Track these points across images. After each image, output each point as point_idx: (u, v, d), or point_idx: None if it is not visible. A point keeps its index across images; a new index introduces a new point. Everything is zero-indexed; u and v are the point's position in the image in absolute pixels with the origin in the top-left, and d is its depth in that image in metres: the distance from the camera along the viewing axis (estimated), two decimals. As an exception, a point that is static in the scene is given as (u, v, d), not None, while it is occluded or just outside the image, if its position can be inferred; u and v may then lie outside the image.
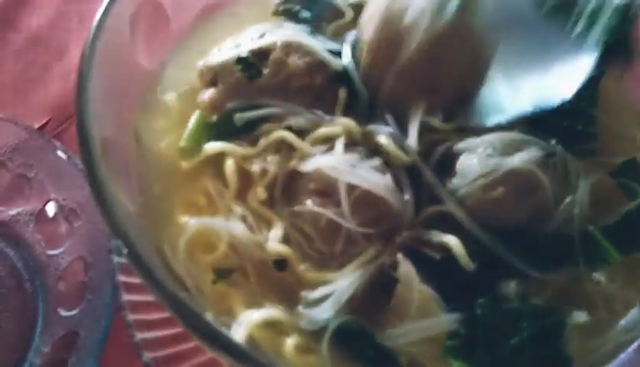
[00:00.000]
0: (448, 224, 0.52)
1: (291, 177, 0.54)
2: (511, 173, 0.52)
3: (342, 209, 0.51)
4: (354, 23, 0.62)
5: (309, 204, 0.52)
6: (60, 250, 0.66)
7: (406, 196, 0.53)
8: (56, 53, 0.80)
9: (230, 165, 0.54)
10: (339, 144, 0.54)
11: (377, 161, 0.54)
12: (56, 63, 0.80)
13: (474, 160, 0.53)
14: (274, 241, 0.51)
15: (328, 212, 0.51)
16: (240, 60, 0.57)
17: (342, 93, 0.57)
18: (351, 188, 0.51)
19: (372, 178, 0.52)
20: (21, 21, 0.82)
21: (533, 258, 0.51)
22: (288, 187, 0.54)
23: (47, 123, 0.75)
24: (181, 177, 0.56)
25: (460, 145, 0.55)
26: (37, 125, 0.75)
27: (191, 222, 0.52)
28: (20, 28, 0.82)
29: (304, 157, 0.54)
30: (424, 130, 0.55)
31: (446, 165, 0.55)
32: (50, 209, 0.68)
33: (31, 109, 0.77)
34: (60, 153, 0.68)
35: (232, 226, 0.52)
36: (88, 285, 0.62)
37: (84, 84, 0.49)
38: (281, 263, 0.51)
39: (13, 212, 0.69)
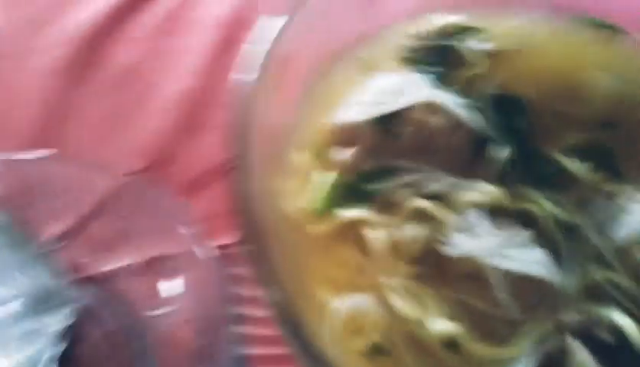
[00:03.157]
0: (608, 294, 0.48)
1: (433, 252, 0.50)
2: None
3: (497, 295, 0.47)
4: (489, 73, 0.58)
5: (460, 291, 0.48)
6: (167, 310, 0.62)
7: (567, 269, 0.49)
8: (145, 91, 0.76)
9: (377, 234, 0.50)
10: (484, 222, 0.50)
11: (526, 232, 0.50)
12: (146, 103, 0.75)
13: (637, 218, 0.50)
14: (440, 318, 0.47)
15: (484, 304, 0.47)
16: (378, 120, 0.53)
17: (492, 153, 0.53)
18: (506, 273, 0.47)
19: (526, 259, 0.48)
20: (107, 56, 0.78)
21: None
22: (433, 263, 0.50)
23: (144, 169, 0.71)
24: (312, 245, 0.52)
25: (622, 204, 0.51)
26: (130, 171, 0.71)
27: (338, 303, 0.48)
28: (106, 65, 0.78)
29: (446, 229, 0.50)
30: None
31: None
32: (154, 263, 0.64)
33: (121, 153, 0.73)
34: (164, 200, 0.64)
35: (386, 302, 0.47)
36: (198, 354, 0.58)
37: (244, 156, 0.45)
38: (449, 343, 0.47)
39: (111, 266, 0.65)
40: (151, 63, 0.78)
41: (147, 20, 0.82)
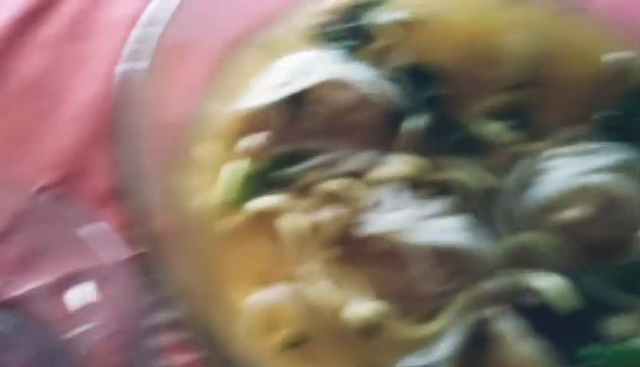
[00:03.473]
0: (531, 255, 0.46)
1: (349, 233, 0.47)
2: (593, 189, 0.47)
3: (416, 271, 0.44)
4: (401, 44, 0.56)
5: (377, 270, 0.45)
6: (84, 328, 0.58)
7: (489, 236, 0.47)
8: (54, 101, 0.72)
9: (287, 222, 0.47)
10: (401, 196, 0.47)
11: (442, 202, 0.47)
12: (55, 113, 0.71)
13: (556, 176, 0.48)
14: (360, 301, 0.44)
15: (401, 281, 0.44)
16: (282, 102, 0.50)
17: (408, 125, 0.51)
18: (422, 246, 0.45)
19: (445, 230, 0.46)
20: (10, 68, 0.74)
21: (633, 286, 0.45)
22: (350, 243, 0.47)
23: (55, 183, 0.67)
24: (221, 241, 0.49)
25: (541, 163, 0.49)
26: (39, 186, 0.66)
27: (252, 301, 0.45)
28: (9, 78, 0.73)
29: (362, 208, 0.47)
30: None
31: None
32: (70, 282, 0.60)
33: (31, 168, 0.68)
34: (76, 216, 0.60)
35: (302, 292, 0.45)
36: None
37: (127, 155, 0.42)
38: (368, 329, 0.44)
39: (24, 289, 0.61)
40: (58, 72, 0.74)
41: (51, 27, 0.78)
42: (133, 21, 0.77)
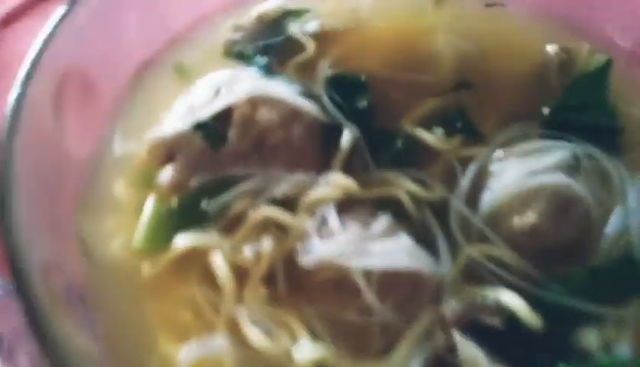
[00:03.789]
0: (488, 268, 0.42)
1: (291, 264, 0.42)
2: (545, 190, 0.43)
3: (366, 299, 0.39)
4: (323, 55, 0.52)
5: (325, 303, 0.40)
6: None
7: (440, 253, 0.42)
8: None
9: (219, 260, 0.42)
10: (334, 219, 0.42)
11: (386, 219, 0.43)
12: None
13: (505, 180, 0.44)
14: (306, 342, 0.39)
15: (352, 313, 0.39)
16: (198, 127, 0.45)
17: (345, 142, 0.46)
18: (369, 272, 0.40)
19: (390, 250, 0.41)
20: None
21: (598, 293, 0.42)
22: (291, 277, 0.42)
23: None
24: (147, 288, 0.43)
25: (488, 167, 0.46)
26: None
27: (185, 356, 0.39)
28: None
29: (299, 236, 0.42)
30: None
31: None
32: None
33: None
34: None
35: (243, 340, 0.39)
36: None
37: (8, 198, 0.35)
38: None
39: None
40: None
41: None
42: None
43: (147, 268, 0.43)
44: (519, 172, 0.44)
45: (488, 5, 0.57)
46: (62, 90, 0.44)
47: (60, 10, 0.44)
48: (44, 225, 0.39)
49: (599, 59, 0.52)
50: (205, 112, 0.45)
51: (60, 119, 0.44)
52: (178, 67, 0.52)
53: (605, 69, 0.51)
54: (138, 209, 0.45)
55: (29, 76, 0.40)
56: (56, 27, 0.42)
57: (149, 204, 0.45)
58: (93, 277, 0.42)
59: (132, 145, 0.47)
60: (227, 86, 0.47)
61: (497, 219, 0.43)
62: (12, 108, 0.40)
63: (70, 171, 0.44)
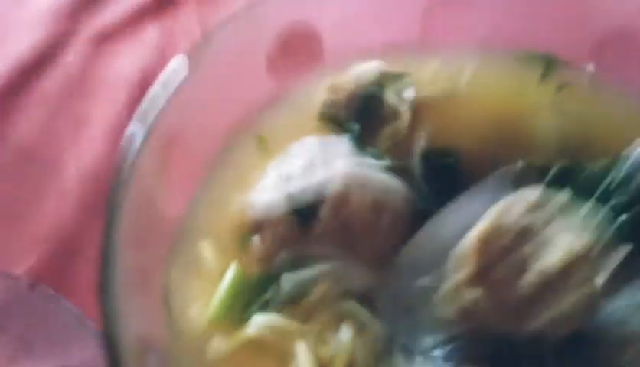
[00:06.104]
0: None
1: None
2: None
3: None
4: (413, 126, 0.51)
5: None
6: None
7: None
8: (42, 173, 0.67)
9: (304, 353, 0.42)
10: None
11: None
12: (44, 186, 0.66)
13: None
14: None
15: None
16: (290, 200, 0.45)
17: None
18: None
19: None
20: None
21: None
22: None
23: (42, 265, 0.61)
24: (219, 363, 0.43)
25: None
26: (20, 270, 0.61)
27: None
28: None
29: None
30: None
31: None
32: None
33: (13, 249, 0.63)
34: (64, 308, 0.56)
35: None
36: None
37: (110, 272, 0.37)
38: None
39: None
40: (47, 138, 0.69)
41: (44, 88, 0.73)
42: (132, 82, 0.73)
43: (220, 343, 0.43)
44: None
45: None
46: (166, 153, 0.45)
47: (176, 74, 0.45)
48: (139, 291, 0.41)
49: None
50: (298, 186, 0.45)
51: (160, 179, 0.45)
52: (267, 131, 0.52)
53: None
54: (222, 276, 0.46)
55: (143, 143, 0.42)
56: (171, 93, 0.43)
57: (229, 274, 0.45)
58: (174, 345, 0.43)
59: (223, 210, 0.48)
60: (321, 157, 0.47)
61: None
62: (121, 173, 0.41)
63: (162, 233, 0.46)
